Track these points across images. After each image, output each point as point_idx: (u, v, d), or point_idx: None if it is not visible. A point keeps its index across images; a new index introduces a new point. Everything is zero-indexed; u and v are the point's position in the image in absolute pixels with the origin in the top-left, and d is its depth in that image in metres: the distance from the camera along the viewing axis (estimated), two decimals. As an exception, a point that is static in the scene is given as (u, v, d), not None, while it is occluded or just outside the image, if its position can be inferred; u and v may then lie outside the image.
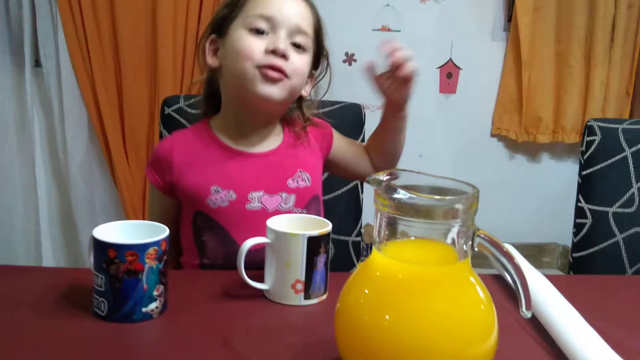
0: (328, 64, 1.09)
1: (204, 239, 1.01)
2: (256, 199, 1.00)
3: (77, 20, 2.23)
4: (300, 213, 1.01)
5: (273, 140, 1.06)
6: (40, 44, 2.30)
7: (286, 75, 0.96)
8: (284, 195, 1.01)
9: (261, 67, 0.94)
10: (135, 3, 2.25)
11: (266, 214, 0.98)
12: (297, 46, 0.98)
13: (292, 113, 1.09)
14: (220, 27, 1.02)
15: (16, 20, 2.32)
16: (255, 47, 0.95)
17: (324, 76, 1.11)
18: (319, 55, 1.07)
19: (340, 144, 1.13)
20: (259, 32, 0.96)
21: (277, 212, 0.99)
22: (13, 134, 2.38)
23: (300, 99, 1.07)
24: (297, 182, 1.03)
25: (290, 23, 0.97)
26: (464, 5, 2.66)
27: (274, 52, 0.94)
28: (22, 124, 2.38)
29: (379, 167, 1.13)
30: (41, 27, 2.27)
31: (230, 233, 0.99)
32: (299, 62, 0.98)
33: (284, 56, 0.95)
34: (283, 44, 0.95)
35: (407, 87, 0.99)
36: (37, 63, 2.36)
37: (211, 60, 1.03)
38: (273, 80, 0.95)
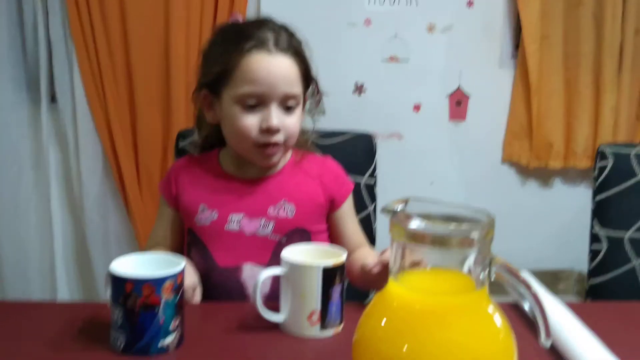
0: (318, 88, 1.13)
1: (191, 255, 1.10)
2: (235, 221, 1.06)
3: (91, 57, 2.27)
4: (280, 241, 1.05)
5: (275, 167, 1.11)
6: (56, 80, 2.34)
7: (282, 143, 1.03)
8: (262, 220, 1.06)
9: (259, 145, 1.02)
10: (148, 39, 2.29)
11: (243, 236, 1.06)
12: (288, 107, 1.04)
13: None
14: (212, 86, 1.06)
15: (32, 56, 2.37)
16: (250, 128, 1.01)
17: (318, 100, 1.15)
18: (309, 83, 1.09)
19: (344, 215, 1.13)
20: (251, 106, 1.02)
21: (254, 236, 1.05)
22: (29, 170, 2.41)
23: None
24: (278, 211, 1.07)
25: (279, 95, 1.01)
26: (472, 34, 2.69)
27: (268, 130, 1.01)
28: (37, 159, 2.41)
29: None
30: (57, 64, 2.32)
31: (210, 251, 1.07)
32: (291, 125, 1.04)
33: (277, 130, 1.01)
34: (275, 120, 1.01)
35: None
36: (52, 99, 2.40)
37: (209, 117, 1.10)
38: (271, 154, 1.04)
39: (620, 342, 0.76)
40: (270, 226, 1.06)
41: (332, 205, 1.12)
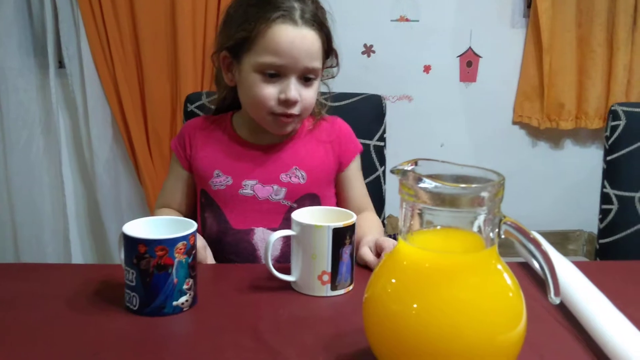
0: (338, 61, 1.12)
1: (205, 215, 1.12)
2: (249, 186, 1.09)
3: (98, 21, 2.26)
4: (291, 206, 1.08)
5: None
6: (63, 46, 2.33)
7: (297, 114, 1.04)
8: (275, 187, 1.08)
9: (275, 114, 1.03)
10: (154, 2, 2.27)
11: (256, 201, 1.08)
12: (307, 79, 1.03)
13: None
14: (233, 49, 1.05)
15: (39, 22, 2.36)
16: (268, 97, 1.02)
17: (337, 71, 1.14)
18: (329, 54, 1.08)
19: (350, 176, 1.14)
20: (270, 75, 1.01)
21: (267, 201, 1.08)
22: (39, 135, 2.42)
23: None
24: (290, 177, 1.09)
25: (300, 68, 1.01)
26: (483, -8, 2.64)
27: (286, 102, 1.01)
28: (47, 125, 2.42)
29: None
30: (63, 29, 2.31)
31: (224, 213, 1.09)
32: (309, 97, 1.05)
33: (295, 102, 1.02)
34: (294, 92, 1.01)
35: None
36: (60, 64, 2.39)
37: (227, 79, 1.09)
38: (286, 123, 1.05)
39: (629, 300, 0.76)
40: (282, 192, 1.08)
41: (340, 166, 1.13)
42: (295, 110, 1.03)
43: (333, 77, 1.16)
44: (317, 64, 1.03)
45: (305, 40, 1.00)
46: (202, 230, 1.12)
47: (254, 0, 1.04)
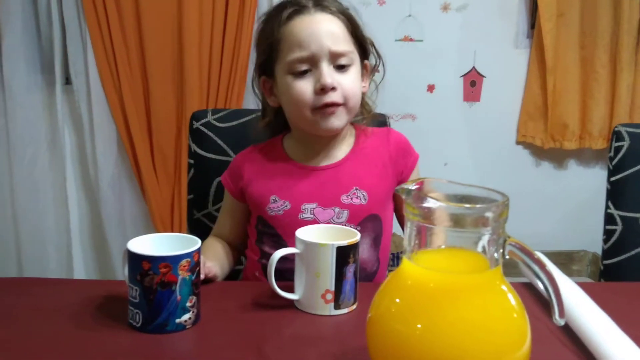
0: (376, 49, 1.11)
1: (263, 240, 1.08)
2: (309, 210, 1.03)
3: (105, 38, 2.28)
4: (354, 229, 1.00)
5: (341, 150, 1.09)
6: (70, 62, 2.36)
7: (341, 103, 1.00)
8: (336, 209, 1.03)
9: (317, 109, 0.99)
10: (161, 20, 2.30)
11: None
12: (341, 67, 1.01)
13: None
14: (265, 69, 1.06)
15: (47, 39, 2.39)
16: (305, 91, 0.99)
17: (378, 63, 1.12)
18: (364, 46, 1.07)
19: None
20: (303, 72, 1.00)
21: (330, 224, 1.02)
22: (45, 151, 2.44)
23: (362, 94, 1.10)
24: (352, 198, 1.04)
25: (326, 53, 0.98)
26: (487, 13, 2.66)
27: (322, 90, 0.98)
28: (53, 141, 2.44)
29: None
30: (71, 46, 2.33)
31: (284, 239, 1.04)
32: (348, 83, 1.00)
33: (333, 88, 0.98)
34: (328, 77, 0.98)
35: None
36: (67, 81, 2.42)
37: (271, 101, 1.08)
38: (331, 114, 1.00)
39: (634, 321, 0.76)
40: (345, 215, 1.03)
41: (401, 179, 1.09)
42: (336, 98, 0.99)
43: (377, 70, 1.12)
44: (344, 47, 1.00)
45: (322, 24, 0.99)
46: (260, 254, 1.07)
47: (270, 12, 1.05)
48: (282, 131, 1.13)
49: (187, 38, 2.29)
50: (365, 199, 1.04)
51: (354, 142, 1.10)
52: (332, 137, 1.07)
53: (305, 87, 0.99)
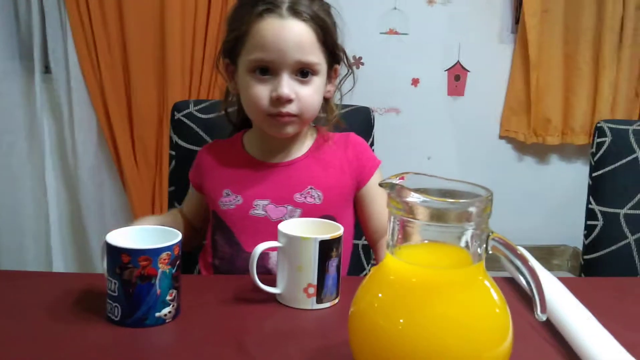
0: (347, 60, 1.08)
1: (215, 237, 1.07)
2: (261, 207, 1.03)
3: (85, 26, 2.24)
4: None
5: (299, 149, 1.07)
6: (50, 50, 2.31)
7: (296, 115, 0.98)
8: (289, 207, 1.03)
9: (271, 115, 0.98)
10: (143, 8, 2.26)
11: (269, 222, 1.01)
12: (305, 74, 0.98)
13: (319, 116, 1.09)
14: (230, 53, 1.03)
15: (26, 26, 2.34)
16: (261, 97, 0.97)
17: (348, 74, 1.10)
18: (335, 52, 1.04)
19: (370, 193, 1.08)
20: (263, 73, 0.97)
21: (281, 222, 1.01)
22: (23, 140, 2.39)
23: (326, 99, 1.08)
24: (306, 197, 1.03)
25: (290, 62, 0.96)
26: (472, 7, 2.66)
27: (278, 99, 0.96)
28: (32, 130, 2.39)
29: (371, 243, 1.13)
30: (50, 33, 2.29)
31: (235, 234, 1.04)
32: (306, 95, 0.98)
33: (289, 100, 0.96)
34: (285, 88, 0.95)
35: None
36: (46, 69, 2.37)
37: (231, 87, 1.07)
38: (284, 123, 0.99)
39: (615, 316, 0.76)
40: (297, 213, 1.02)
41: (358, 184, 1.07)
42: (291, 110, 0.97)
43: (351, 88, 1.10)
44: (312, 58, 0.97)
45: (292, 31, 0.95)
46: (213, 253, 1.07)
47: (244, 0, 1.01)
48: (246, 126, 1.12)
49: (169, 27, 2.26)
50: (320, 199, 1.03)
51: (314, 142, 1.08)
52: (290, 136, 1.05)
53: (262, 92, 0.97)
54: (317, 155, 1.07)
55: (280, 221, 0.99)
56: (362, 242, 1.30)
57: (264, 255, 0.98)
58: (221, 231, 1.05)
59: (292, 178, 1.04)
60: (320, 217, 0.99)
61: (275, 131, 1.01)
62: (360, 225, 1.11)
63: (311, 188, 1.03)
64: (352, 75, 1.10)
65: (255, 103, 0.98)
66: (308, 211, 1.02)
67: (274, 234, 0.98)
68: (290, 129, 1.00)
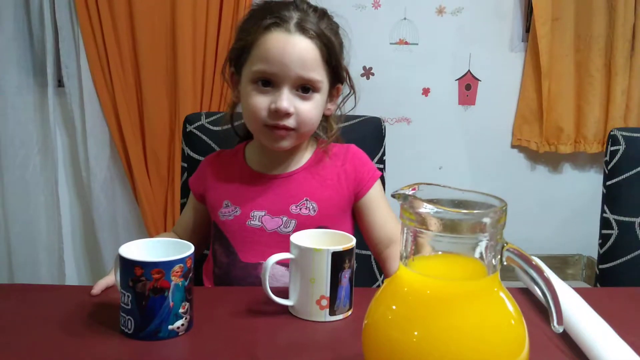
0: (350, 80, 1.09)
1: (215, 247, 1.09)
2: (257, 218, 1.04)
3: (98, 41, 2.27)
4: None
5: (298, 161, 1.08)
6: (63, 65, 2.34)
7: (293, 129, 0.99)
8: (284, 218, 1.04)
9: (268, 126, 0.99)
10: (155, 23, 2.28)
11: (264, 233, 1.03)
12: (306, 90, 0.99)
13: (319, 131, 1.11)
14: (236, 62, 1.05)
15: (39, 41, 2.37)
16: (260, 106, 0.98)
17: (351, 94, 1.12)
18: (338, 72, 1.05)
19: (370, 204, 1.08)
20: (265, 85, 0.98)
21: (276, 233, 1.03)
22: (36, 153, 2.42)
23: (326, 116, 1.09)
24: (301, 209, 1.04)
25: (292, 77, 0.97)
26: (482, 16, 2.66)
27: (276, 112, 0.97)
28: (45, 144, 2.42)
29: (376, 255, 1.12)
30: (63, 48, 2.32)
31: (232, 244, 1.05)
32: (305, 111, 0.99)
33: (288, 114, 0.97)
34: (285, 102, 0.96)
35: None
36: (59, 83, 2.40)
37: (234, 95, 1.09)
38: (280, 136, 1.00)
39: (631, 327, 0.75)
40: (292, 224, 1.03)
41: (356, 195, 1.08)
42: (289, 123, 0.98)
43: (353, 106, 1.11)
44: (314, 75, 0.98)
45: (296, 47, 0.96)
46: (213, 263, 1.09)
47: (255, 12, 1.03)
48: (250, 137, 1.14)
49: (180, 40, 2.28)
50: (314, 211, 1.04)
51: (312, 155, 1.09)
52: (287, 149, 1.06)
53: (262, 103, 0.98)
54: (315, 167, 1.08)
55: (276, 232, 1.02)
56: (374, 253, 1.29)
57: (256, 265, 1.02)
58: (220, 241, 1.07)
59: (289, 190, 1.05)
60: (315, 228, 1.00)
61: (270, 143, 1.02)
62: (363, 236, 1.12)
63: (306, 200, 1.04)
64: (354, 95, 1.12)
65: (254, 113, 0.99)
66: (303, 222, 1.03)
67: (269, 244, 0.99)
68: (286, 143, 1.01)
